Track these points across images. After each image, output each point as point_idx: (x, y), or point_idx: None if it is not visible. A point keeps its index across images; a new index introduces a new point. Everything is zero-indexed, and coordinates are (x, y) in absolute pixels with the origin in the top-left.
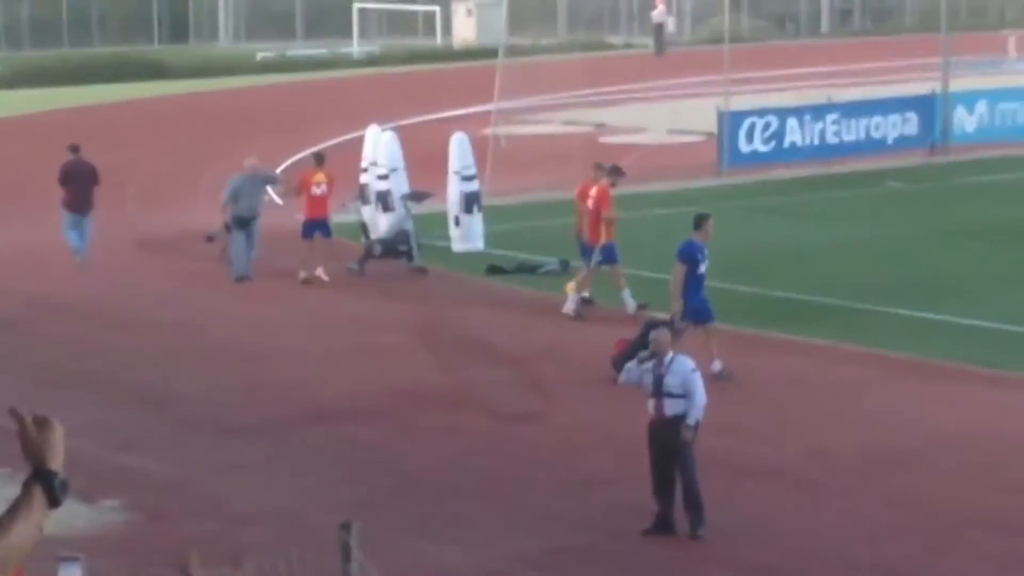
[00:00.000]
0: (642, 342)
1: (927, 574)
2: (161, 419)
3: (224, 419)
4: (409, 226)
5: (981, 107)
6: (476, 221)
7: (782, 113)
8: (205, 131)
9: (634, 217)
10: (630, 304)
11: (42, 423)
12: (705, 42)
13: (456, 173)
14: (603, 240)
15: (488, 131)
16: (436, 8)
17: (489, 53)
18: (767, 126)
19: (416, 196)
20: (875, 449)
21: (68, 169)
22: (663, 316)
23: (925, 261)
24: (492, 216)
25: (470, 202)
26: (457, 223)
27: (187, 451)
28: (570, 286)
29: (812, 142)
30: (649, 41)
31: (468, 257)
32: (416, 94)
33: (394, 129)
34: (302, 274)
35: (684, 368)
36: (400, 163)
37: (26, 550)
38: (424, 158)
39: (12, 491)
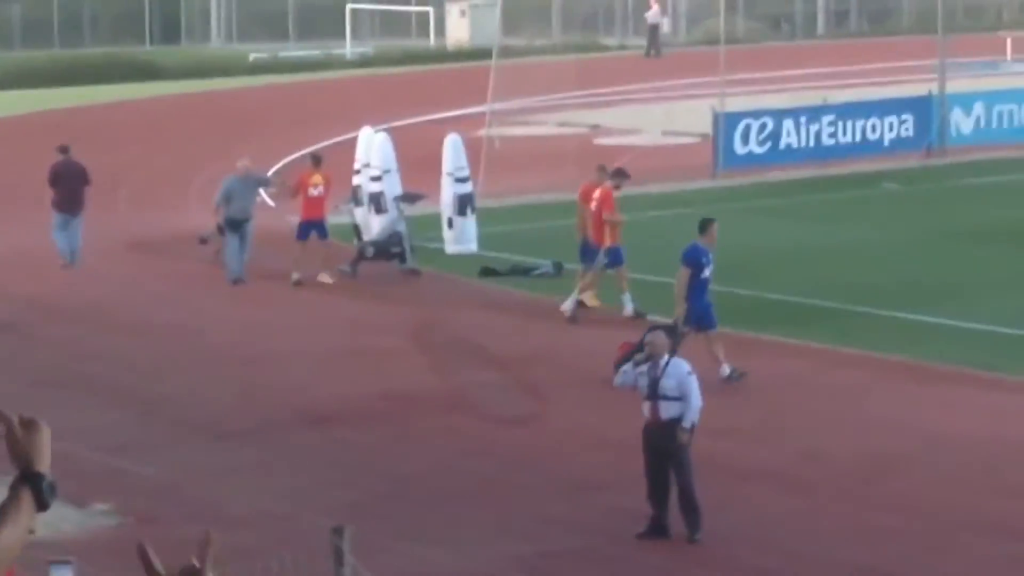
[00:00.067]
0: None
1: None
2: (154, 422)
3: (218, 422)
4: (402, 228)
5: (978, 109)
6: (469, 223)
7: (778, 115)
8: (197, 132)
9: (628, 219)
10: (628, 308)
11: (29, 425)
12: (700, 43)
13: (449, 175)
14: (608, 242)
15: (482, 132)
16: (429, 9)
17: (483, 54)
18: (763, 128)
19: (409, 198)
20: (872, 452)
21: (58, 170)
22: (666, 320)
23: (922, 263)
24: (485, 218)
25: (463, 204)
26: (450, 225)
27: (180, 454)
28: (589, 294)
29: (808, 144)
30: (644, 43)
31: (461, 259)
32: (409, 95)
33: (387, 130)
34: (295, 275)
35: (680, 371)
36: (393, 165)
37: (14, 553)
38: (417, 160)
39: None
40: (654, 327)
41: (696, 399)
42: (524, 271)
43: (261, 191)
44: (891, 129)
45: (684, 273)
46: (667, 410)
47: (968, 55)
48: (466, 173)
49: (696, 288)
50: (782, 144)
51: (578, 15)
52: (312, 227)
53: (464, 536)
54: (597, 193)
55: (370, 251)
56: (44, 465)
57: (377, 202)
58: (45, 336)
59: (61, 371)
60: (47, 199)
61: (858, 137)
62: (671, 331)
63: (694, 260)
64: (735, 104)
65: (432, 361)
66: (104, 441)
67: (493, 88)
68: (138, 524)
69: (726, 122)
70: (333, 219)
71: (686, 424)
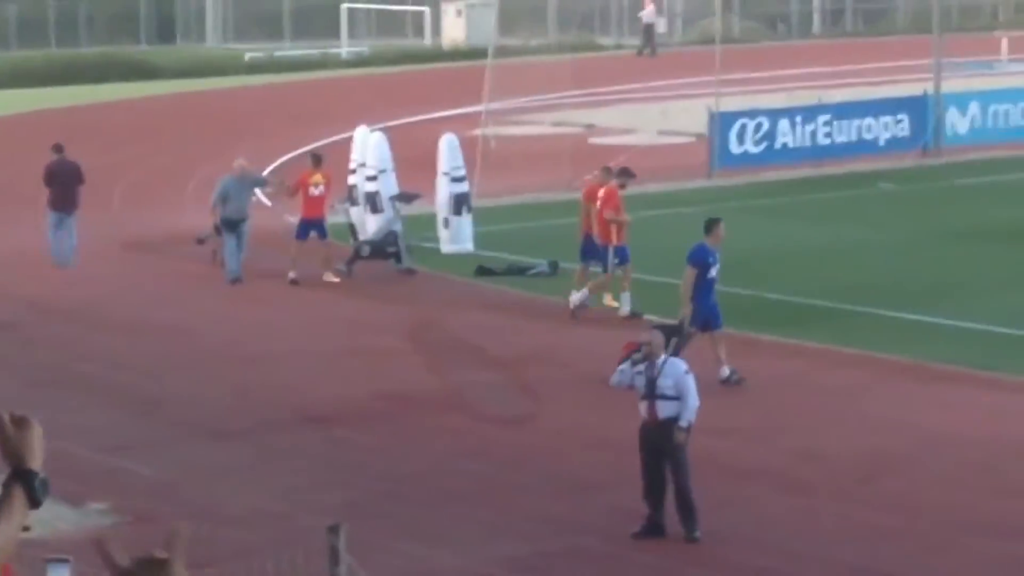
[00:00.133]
0: None
1: None
2: (152, 421)
3: (215, 422)
4: (398, 227)
5: (973, 108)
6: (465, 222)
7: (773, 114)
8: (193, 132)
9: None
10: (625, 307)
11: (20, 423)
12: (696, 43)
13: (445, 174)
14: (616, 241)
15: (478, 132)
16: (425, 8)
17: (479, 54)
18: (758, 127)
19: (405, 197)
20: (870, 452)
21: (52, 169)
22: (670, 321)
23: (918, 263)
24: (481, 217)
25: (459, 203)
26: (446, 224)
27: (177, 453)
28: (608, 297)
29: (804, 143)
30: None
31: (457, 259)
32: (405, 95)
33: (383, 130)
34: (291, 274)
35: (677, 370)
36: (389, 164)
37: (8, 551)
38: (413, 159)
39: None
40: (657, 326)
41: (693, 399)
42: (520, 270)
43: (257, 191)
44: (887, 129)
45: (690, 273)
46: (664, 409)
47: (963, 55)
48: (462, 173)
49: (702, 288)
50: (778, 144)
51: (574, 15)
52: (312, 227)
53: (461, 535)
54: (602, 192)
55: (366, 250)
56: (36, 462)
57: (373, 202)
58: (42, 336)
59: (58, 371)
60: (43, 199)
61: (854, 137)
62: (676, 331)
63: (700, 260)
64: (731, 104)
65: (429, 361)
66: (101, 440)
67: (489, 87)
68: (135, 523)
69: (722, 122)
70: (329, 219)
71: (683, 423)
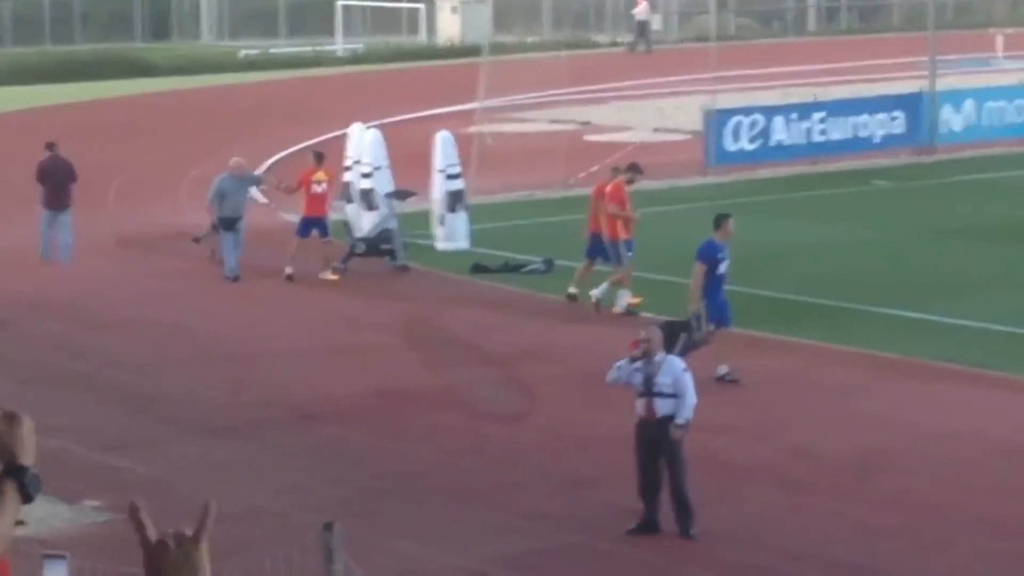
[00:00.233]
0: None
1: (915, 575)
2: (146, 419)
3: (209, 419)
4: (393, 225)
5: (968, 106)
6: (460, 220)
7: (768, 112)
8: (188, 129)
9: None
10: (621, 303)
11: (10, 418)
12: (691, 40)
13: (441, 171)
14: (624, 236)
15: (473, 129)
16: (421, 6)
17: (474, 51)
18: (753, 124)
19: (400, 194)
20: (864, 449)
21: (45, 166)
22: (677, 319)
23: (913, 260)
24: (477, 214)
25: (454, 200)
26: (441, 222)
27: (172, 451)
28: (629, 298)
29: (799, 141)
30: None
31: (452, 256)
32: (400, 92)
33: (378, 127)
34: (288, 269)
35: (675, 368)
36: (384, 161)
37: (3, 545)
38: (408, 156)
39: None
40: (670, 324)
41: (691, 396)
42: (515, 268)
43: (253, 189)
44: (882, 126)
45: (699, 269)
46: (662, 407)
47: (958, 52)
48: (457, 170)
49: (712, 284)
50: (773, 141)
51: (569, 12)
52: (314, 224)
53: (456, 533)
54: (609, 188)
55: (361, 248)
56: (28, 458)
57: (368, 199)
58: (36, 333)
59: (52, 368)
60: (37, 196)
61: (849, 134)
62: (685, 327)
63: (709, 256)
64: (726, 101)
65: (424, 358)
66: (96, 438)
67: (484, 85)
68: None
69: (717, 119)
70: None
71: (680, 421)
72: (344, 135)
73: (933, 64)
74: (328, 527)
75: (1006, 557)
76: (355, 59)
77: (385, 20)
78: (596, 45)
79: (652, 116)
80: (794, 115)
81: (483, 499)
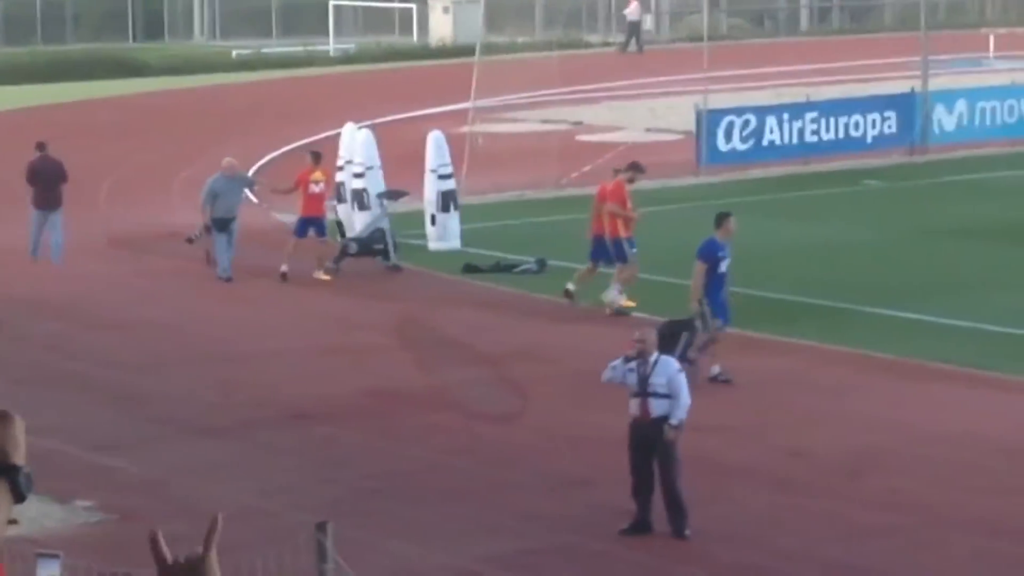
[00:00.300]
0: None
1: (909, 575)
2: (139, 419)
3: (202, 419)
4: (385, 224)
5: (960, 106)
6: (452, 220)
7: (761, 112)
8: (180, 129)
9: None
10: (612, 295)
11: (2, 417)
12: (683, 40)
13: (433, 171)
14: (625, 234)
15: (465, 129)
16: (413, 6)
17: (466, 51)
18: (746, 124)
19: (392, 194)
20: (858, 449)
21: (35, 167)
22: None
23: (905, 260)
24: (469, 215)
25: (447, 200)
26: (433, 222)
27: (165, 451)
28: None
29: (791, 141)
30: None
31: (445, 256)
32: (392, 92)
33: (370, 127)
34: (283, 267)
35: (670, 368)
36: (376, 161)
37: None
38: (400, 156)
39: None
40: (674, 323)
41: (685, 397)
42: (507, 268)
43: (247, 191)
44: (874, 126)
45: (700, 268)
46: (657, 407)
47: (950, 52)
48: (449, 170)
49: (713, 283)
50: (765, 141)
51: (561, 12)
52: (311, 224)
53: (449, 533)
54: (610, 186)
55: (353, 248)
56: (19, 457)
57: (360, 199)
58: (29, 333)
59: (45, 368)
60: (28, 196)
61: (841, 134)
62: (687, 326)
63: (710, 255)
64: (718, 101)
65: (416, 358)
66: (88, 438)
67: (476, 85)
68: (122, 521)
69: (709, 119)
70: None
71: (674, 421)
72: (336, 135)
73: (925, 64)
74: (320, 527)
75: (1001, 557)
76: (347, 59)
77: (377, 20)
78: (588, 45)
79: (644, 116)
80: (786, 115)
81: (476, 499)
